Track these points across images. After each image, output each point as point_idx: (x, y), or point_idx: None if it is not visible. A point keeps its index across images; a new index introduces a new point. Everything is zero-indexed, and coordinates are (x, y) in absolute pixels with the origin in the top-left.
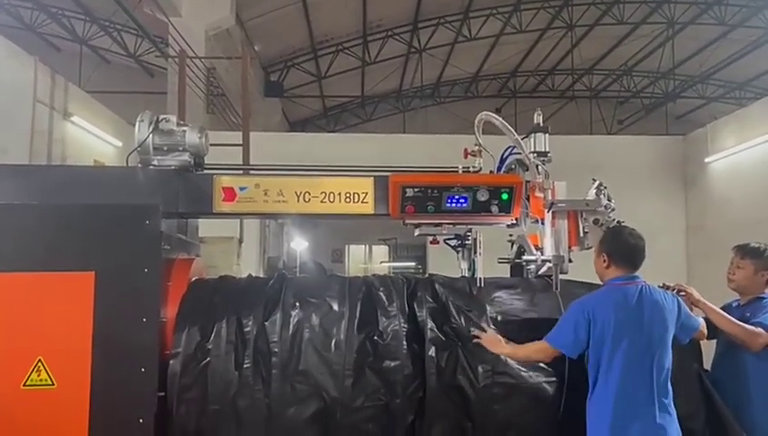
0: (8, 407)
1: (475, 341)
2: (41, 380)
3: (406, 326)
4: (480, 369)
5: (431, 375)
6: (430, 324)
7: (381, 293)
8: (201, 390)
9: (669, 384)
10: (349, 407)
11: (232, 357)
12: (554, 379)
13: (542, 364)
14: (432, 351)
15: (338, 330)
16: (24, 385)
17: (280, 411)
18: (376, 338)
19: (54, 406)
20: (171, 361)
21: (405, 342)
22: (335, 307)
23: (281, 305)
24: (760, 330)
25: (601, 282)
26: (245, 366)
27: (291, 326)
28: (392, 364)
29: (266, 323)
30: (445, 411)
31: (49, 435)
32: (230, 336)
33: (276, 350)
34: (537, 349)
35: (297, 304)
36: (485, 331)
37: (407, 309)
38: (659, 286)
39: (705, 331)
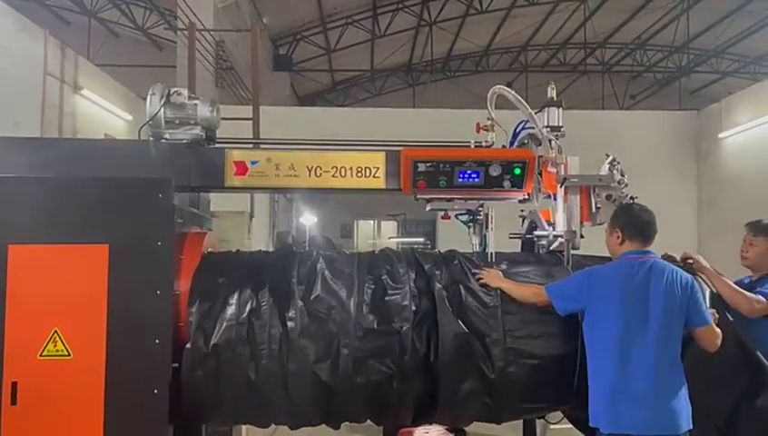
0: (26, 376)
1: (477, 277)
2: (57, 350)
3: (414, 274)
4: (484, 293)
5: (441, 303)
6: (437, 268)
7: (389, 252)
8: (218, 311)
9: (677, 361)
10: (362, 328)
11: (248, 286)
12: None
13: None
14: (439, 286)
15: (350, 268)
16: (40, 355)
17: (294, 336)
18: (385, 276)
19: (70, 376)
20: (192, 305)
21: (414, 283)
22: (346, 256)
23: (297, 259)
24: (759, 297)
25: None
26: (261, 291)
27: (308, 265)
28: (403, 291)
29: (283, 270)
30: (456, 334)
31: (66, 404)
32: (245, 279)
33: (294, 280)
34: (534, 292)
35: (311, 255)
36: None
37: (413, 261)
38: (662, 256)
39: (718, 341)
